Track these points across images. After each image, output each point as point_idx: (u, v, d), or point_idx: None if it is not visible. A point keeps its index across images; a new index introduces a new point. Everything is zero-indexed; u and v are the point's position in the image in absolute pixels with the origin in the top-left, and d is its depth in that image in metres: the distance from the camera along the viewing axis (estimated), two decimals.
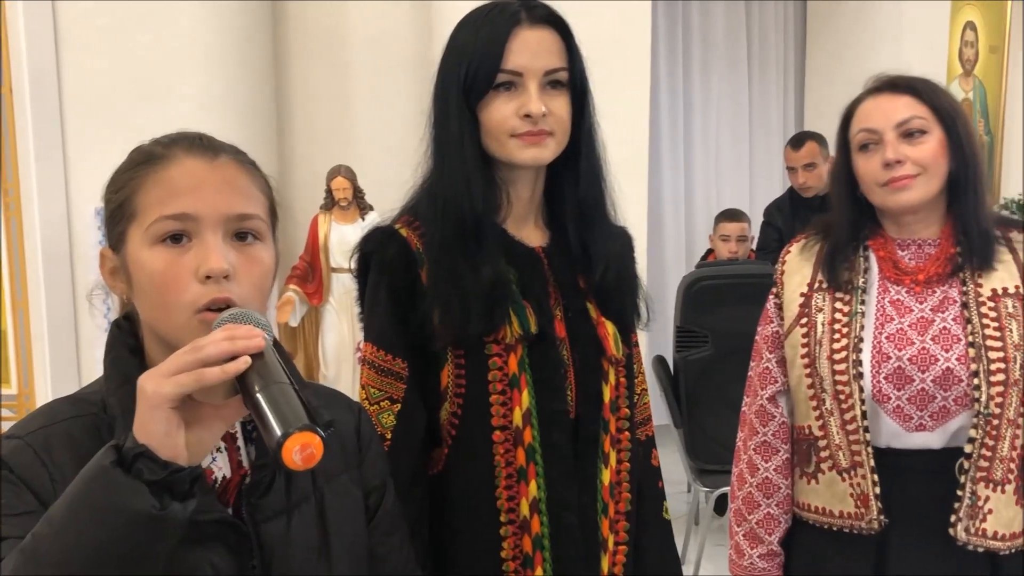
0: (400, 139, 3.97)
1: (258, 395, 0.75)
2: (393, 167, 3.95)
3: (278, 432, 0.73)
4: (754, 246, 3.99)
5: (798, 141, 3.77)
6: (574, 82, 1.20)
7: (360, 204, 3.96)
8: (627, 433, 1.29)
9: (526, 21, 1.16)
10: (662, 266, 5.06)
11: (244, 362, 0.75)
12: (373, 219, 3.81)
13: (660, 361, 3.30)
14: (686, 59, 5.25)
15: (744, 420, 1.60)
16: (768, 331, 1.56)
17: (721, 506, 3.76)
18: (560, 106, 1.18)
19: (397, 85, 4.12)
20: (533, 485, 1.19)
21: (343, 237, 3.88)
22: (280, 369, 0.78)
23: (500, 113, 1.16)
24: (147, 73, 3.41)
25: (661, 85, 5.04)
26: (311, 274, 3.96)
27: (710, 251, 4.09)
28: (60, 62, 3.40)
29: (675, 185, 5.23)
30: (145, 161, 0.88)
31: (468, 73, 1.16)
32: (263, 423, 0.74)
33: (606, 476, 1.24)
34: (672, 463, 3.41)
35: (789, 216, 3.80)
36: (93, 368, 3.37)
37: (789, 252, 1.58)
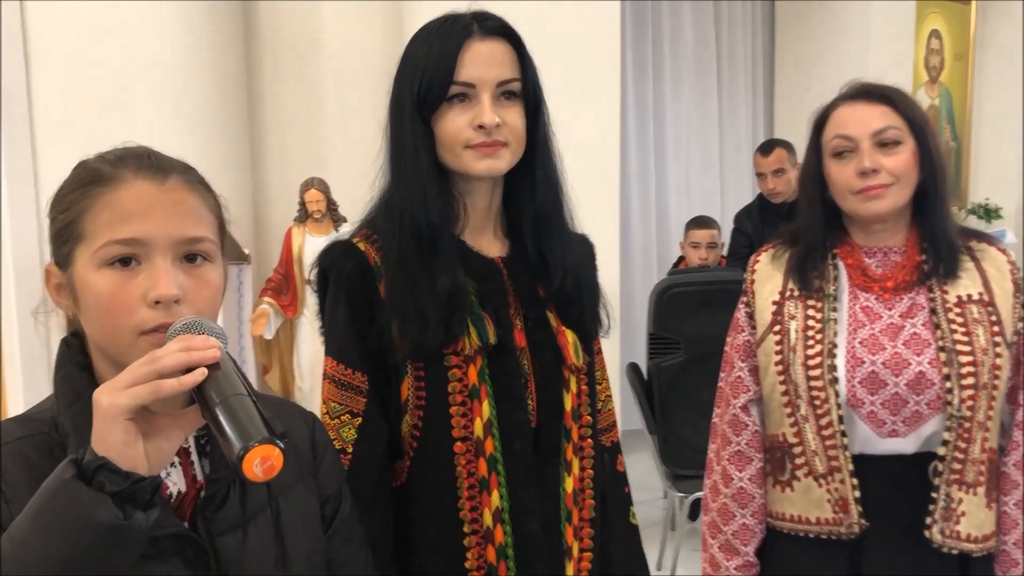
0: (372, 152, 3.96)
1: (216, 408, 0.75)
2: (366, 179, 3.94)
3: (238, 446, 0.73)
4: (724, 252, 4.02)
5: (767, 147, 3.81)
6: (527, 93, 1.21)
7: (334, 216, 3.97)
8: (590, 440, 1.29)
9: (478, 33, 1.17)
10: (632, 273, 5.08)
11: (200, 374, 0.75)
12: (347, 231, 3.80)
13: (634, 368, 3.32)
14: (656, 67, 5.28)
15: (715, 431, 1.57)
16: (739, 340, 1.54)
17: (695, 511, 3.78)
18: (514, 116, 1.19)
19: (369, 98, 4.12)
20: (495, 495, 1.19)
21: (317, 249, 3.85)
22: (237, 380, 0.78)
23: (454, 125, 1.17)
24: (117, 90, 3.39)
25: (629, 93, 5.07)
26: (285, 286, 3.95)
27: (681, 258, 4.10)
28: (30, 81, 3.37)
29: (645, 192, 5.25)
30: (93, 181, 0.87)
31: (421, 86, 1.17)
32: (222, 436, 0.74)
33: (569, 484, 1.25)
34: (649, 469, 3.42)
35: (759, 222, 3.82)
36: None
37: (758, 261, 1.57)
